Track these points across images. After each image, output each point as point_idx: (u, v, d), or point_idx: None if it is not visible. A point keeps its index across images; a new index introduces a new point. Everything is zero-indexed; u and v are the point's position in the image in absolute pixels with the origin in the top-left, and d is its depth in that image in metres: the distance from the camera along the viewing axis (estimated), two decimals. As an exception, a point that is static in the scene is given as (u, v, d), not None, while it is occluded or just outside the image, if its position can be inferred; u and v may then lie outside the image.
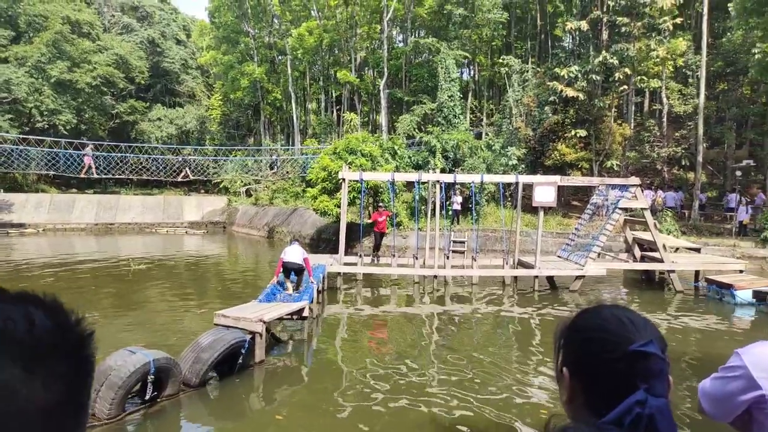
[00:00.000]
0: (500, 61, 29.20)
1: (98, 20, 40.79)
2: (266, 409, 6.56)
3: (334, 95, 41.00)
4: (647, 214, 14.25)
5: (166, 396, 6.32)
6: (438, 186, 14.87)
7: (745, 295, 12.24)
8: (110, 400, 5.68)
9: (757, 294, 12.07)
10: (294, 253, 10.65)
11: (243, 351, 7.24)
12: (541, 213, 14.54)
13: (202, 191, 38.62)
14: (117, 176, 32.58)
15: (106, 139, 35.52)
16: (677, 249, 16.51)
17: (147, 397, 6.08)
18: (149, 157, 32.78)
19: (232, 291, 13.74)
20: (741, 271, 14.12)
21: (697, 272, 14.74)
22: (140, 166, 33.26)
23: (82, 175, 31.32)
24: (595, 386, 1.01)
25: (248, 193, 34.87)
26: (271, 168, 31.45)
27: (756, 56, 19.55)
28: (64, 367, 0.52)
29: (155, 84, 45.37)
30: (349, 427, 5.96)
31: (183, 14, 52.62)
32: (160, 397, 6.27)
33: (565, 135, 24.72)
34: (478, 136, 29.58)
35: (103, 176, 32.42)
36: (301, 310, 8.99)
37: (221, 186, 36.47)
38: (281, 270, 10.62)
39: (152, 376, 6.00)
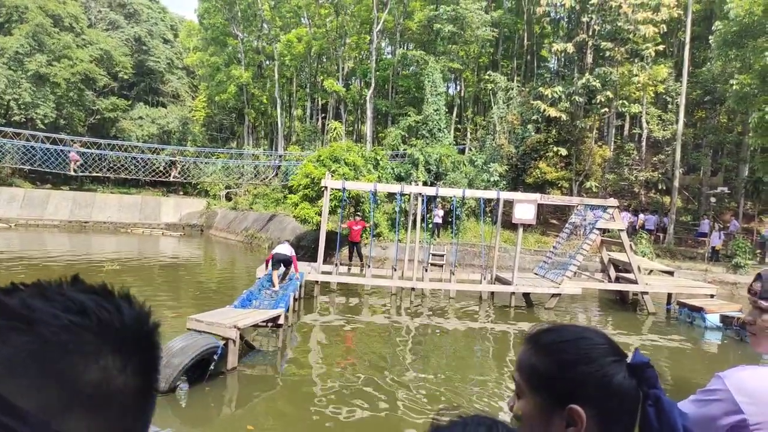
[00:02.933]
0: (486, 77, 29.53)
1: (84, 15, 40.27)
2: (237, 417, 6.45)
3: (320, 103, 41.03)
4: (623, 235, 14.48)
5: (134, 401, 6.18)
6: (419, 198, 14.92)
7: (714, 318, 12.48)
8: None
9: (723, 318, 12.31)
10: (283, 248, 12.06)
11: (215, 357, 7.13)
12: (520, 230, 14.68)
13: (181, 193, 38.16)
14: (96, 174, 32.00)
15: (85, 135, 34.98)
16: (651, 271, 16.78)
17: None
18: (131, 156, 32.27)
19: (207, 296, 13.56)
20: (712, 296, 14.40)
21: (669, 295, 14.98)
22: (119, 165, 32.75)
23: (72, 173, 30.70)
24: (608, 410, 0.92)
25: (228, 197, 34.55)
26: (275, 174, 30.71)
27: (734, 87, 20.09)
28: (146, 353, 0.56)
29: (139, 82, 44.88)
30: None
31: (171, 14, 52.30)
32: (127, 401, 6.12)
33: (547, 154, 25.04)
34: (462, 151, 29.82)
35: (87, 174, 31.75)
36: (277, 317, 8.89)
37: (200, 188, 36.09)
38: (271, 261, 11.79)
39: (120, 380, 5.86)
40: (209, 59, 41.01)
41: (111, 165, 32.47)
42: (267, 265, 12.01)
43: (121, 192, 36.01)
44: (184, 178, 34.34)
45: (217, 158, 34.86)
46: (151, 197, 35.21)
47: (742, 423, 1.50)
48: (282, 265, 12.08)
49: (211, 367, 7.10)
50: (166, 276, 17.18)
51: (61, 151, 29.88)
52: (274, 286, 11.54)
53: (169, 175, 32.18)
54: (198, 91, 47.50)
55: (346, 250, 18.68)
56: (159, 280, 16.35)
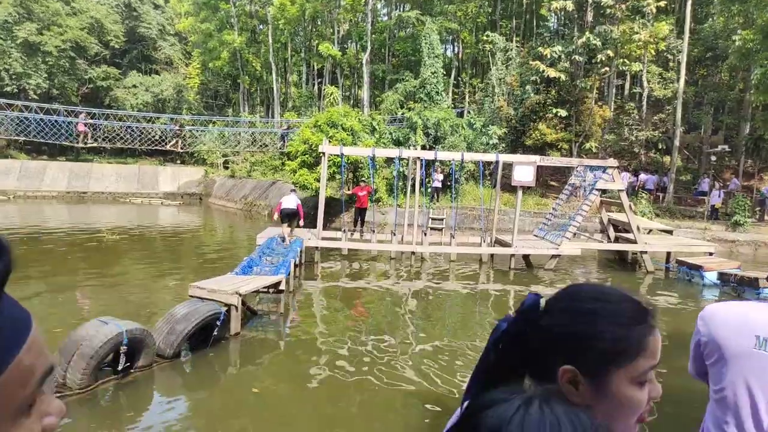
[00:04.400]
0: (485, 38, 28.97)
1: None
2: (242, 381, 6.55)
3: (315, 68, 40.33)
4: (623, 195, 14.44)
5: (139, 367, 6.27)
6: (418, 163, 14.83)
7: (712, 276, 12.57)
8: (82, 370, 5.60)
9: (721, 275, 12.40)
10: (290, 200, 13.03)
11: (218, 323, 7.19)
12: (520, 192, 14.64)
13: (178, 162, 37.92)
14: (92, 144, 31.60)
15: (78, 105, 34.51)
16: (650, 231, 16.82)
17: (120, 368, 6.00)
18: (138, 126, 31.75)
19: (207, 263, 13.61)
20: (711, 254, 14.47)
21: (668, 254, 15.06)
22: (121, 135, 32.33)
23: (80, 145, 30.31)
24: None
25: (226, 165, 34.35)
26: (282, 139, 29.74)
27: (736, 43, 19.76)
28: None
29: (131, 50, 44.02)
30: (325, 400, 5.99)
31: (161, -22, 50.83)
32: (132, 368, 6.21)
33: (546, 115, 24.78)
34: (460, 114, 29.50)
35: (95, 145, 31.14)
36: (278, 283, 8.95)
37: (198, 157, 35.83)
38: (281, 215, 12.95)
39: (125, 347, 5.92)
40: (201, 25, 40.13)
41: (115, 135, 31.90)
42: (274, 216, 13.41)
43: (118, 162, 35.80)
44: (182, 148, 34.03)
45: (214, 126, 34.45)
46: (148, 167, 35.04)
47: (698, 345, 1.77)
48: (289, 219, 13.11)
49: (215, 333, 7.17)
50: (167, 245, 17.24)
51: (56, 121, 29.47)
52: (284, 242, 12.65)
53: (176, 146, 31.59)
54: (191, 58, 46.61)
55: (346, 216, 18.70)
56: (160, 248, 16.41)
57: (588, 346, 0.90)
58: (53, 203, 28.15)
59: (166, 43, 46.05)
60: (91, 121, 29.57)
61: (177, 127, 31.38)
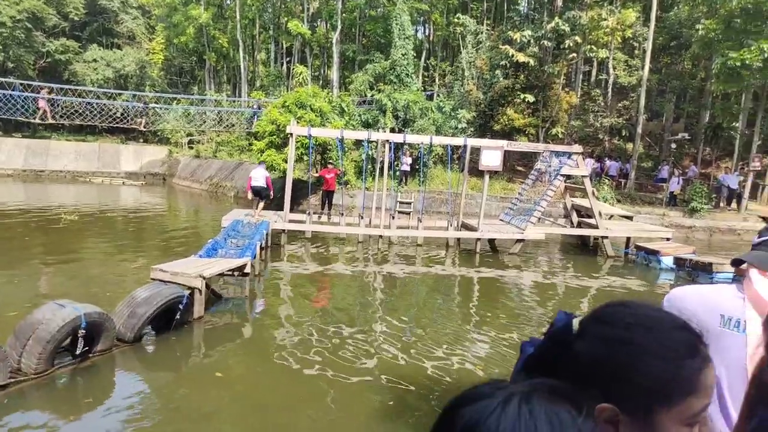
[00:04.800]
0: (456, 20, 28.89)
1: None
2: (205, 365, 6.49)
3: (284, 46, 39.57)
4: (587, 181, 14.75)
5: (99, 351, 6.13)
6: (387, 146, 14.80)
7: (668, 261, 13.01)
8: (38, 354, 5.45)
9: (677, 260, 12.85)
10: (258, 173, 13.69)
11: (181, 307, 7.07)
12: (487, 177, 14.79)
13: (141, 140, 36.89)
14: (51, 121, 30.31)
15: (35, 79, 33.11)
16: (612, 216, 17.25)
17: (78, 352, 5.87)
18: (100, 102, 30.54)
19: (171, 245, 13.36)
20: (668, 239, 14.96)
21: (628, 239, 15.49)
22: (74, 110, 31.11)
23: (38, 121, 28.96)
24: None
25: (191, 145, 33.60)
26: (251, 120, 28.88)
27: (699, 32, 20.22)
28: None
29: (91, 22, 42.37)
30: (289, 385, 5.99)
31: (122, -53, 48.83)
32: (91, 352, 6.07)
33: (515, 100, 24.99)
34: (430, 97, 29.47)
35: (58, 122, 29.73)
36: (243, 266, 8.84)
37: (161, 135, 34.90)
38: (251, 191, 13.61)
39: (83, 331, 5.78)
40: (165, -1, 38.87)
41: (74, 111, 30.61)
42: (248, 195, 13.98)
43: (77, 140, 34.61)
44: (145, 126, 33.04)
45: (178, 104, 33.54)
46: (109, 145, 34.02)
47: None
48: (260, 195, 13.70)
49: (177, 317, 7.06)
50: (129, 226, 16.83)
51: (11, 95, 28.16)
52: (253, 219, 13.15)
53: (141, 124, 30.48)
54: (155, 33, 45.13)
55: (314, 198, 18.58)
56: (121, 230, 16.01)
57: (630, 383, 0.78)
58: (8, 182, 27.11)
59: (129, 17, 44.44)
60: (52, 96, 28.33)
61: (143, 105, 30.38)
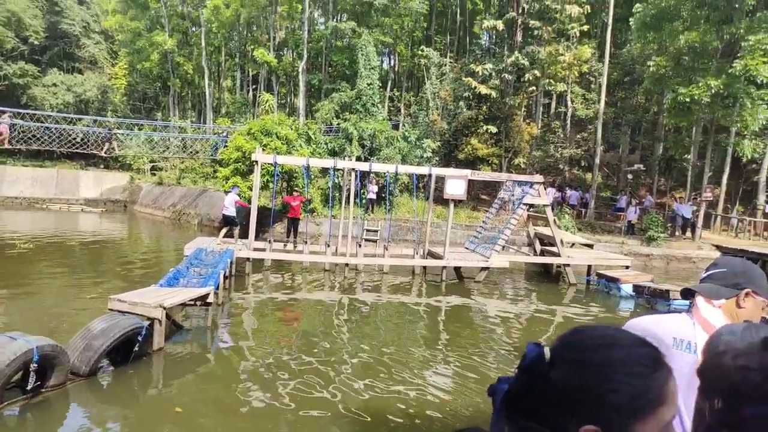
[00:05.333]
0: (420, 52, 29.58)
1: (-15, -30, 36.61)
2: (164, 399, 6.26)
3: (250, 74, 39.63)
4: (548, 210, 15.11)
5: (52, 386, 5.86)
6: (353, 174, 14.86)
7: (628, 288, 13.36)
8: (-15, 391, 5.19)
9: (636, 288, 13.20)
10: (228, 202, 14.72)
11: (140, 338, 6.86)
12: (452, 205, 14.98)
13: (102, 166, 36.02)
14: (10, 147, 29.25)
15: (-10, 103, 32.08)
16: (573, 244, 17.66)
17: (29, 387, 5.60)
18: (67, 128, 29.65)
19: (131, 274, 12.99)
20: (627, 267, 15.38)
21: (589, 267, 15.85)
22: (31, 135, 30.17)
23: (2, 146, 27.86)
24: None
25: (153, 171, 32.98)
26: (216, 148, 28.65)
27: (651, 68, 21.20)
28: None
29: (52, 46, 41.51)
30: (252, 420, 5.83)
31: (86, -28, 48.43)
32: (44, 387, 5.80)
33: (478, 130, 25.58)
34: (395, 127, 29.88)
35: (18, 147, 28.69)
36: (206, 295, 8.65)
37: (123, 162, 34.16)
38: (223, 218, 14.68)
39: (35, 365, 5.52)
40: (129, 23, 38.54)
41: (32, 136, 29.60)
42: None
43: (34, 165, 33.51)
44: (107, 153, 32.26)
45: (140, 129, 32.98)
46: (68, 170, 33.04)
47: None
48: (231, 224, 14.73)
49: (136, 349, 6.83)
50: (87, 255, 16.29)
51: None
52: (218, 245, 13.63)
53: (110, 151, 29.65)
54: (118, 58, 44.57)
55: (279, 226, 18.43)
56: (79, 259, 15.48)
57: (605, 403, 0.81)
58: (-42, 208, 25.98)
59: (91, 41, 43.80)
60: (15, 121, 27.46)
61: (107, 130, 29.74)
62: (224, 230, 14.75)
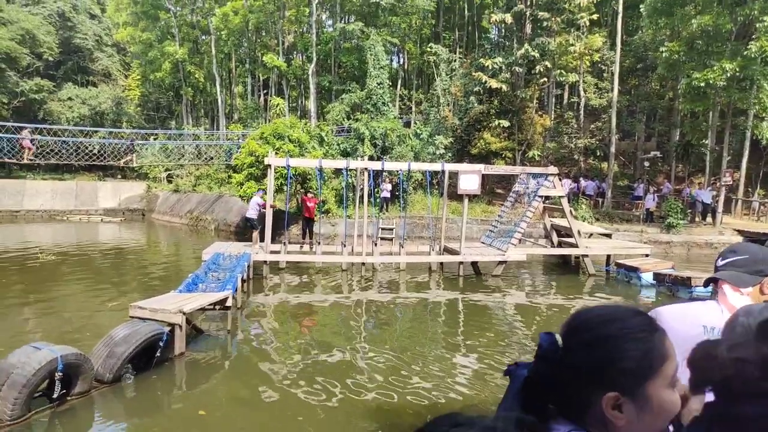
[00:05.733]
0: (428, 49, 29.49)
1: (-1, -11, 37.32)
2: (187, 403, 6.34)
3: (261, 79, 39.88)
4: (564, 201, 14.96)
5: (77, 394, 5.97)
6: (366, 173, 14.89)
7: (648, 277, 13.18)
8: (13, 400, 5.28)
9: (656, 276, 13.03)
10: (251, 205, 15.28)
11: (161, 344, 6.94)
12: (466, 200, 14.93)
13: (119, 176, 36.56)
14: (36, 161, 29.79)
15: (9, 120, 32.73)
16: (591, 235, 17.47)
17: (55, 395, 5.70)
18: (92, 142, 30.16)
19: (151, 281, 13.16)
20: (647, 255, 15.18)
21: (608, 256, 15.67)
22: (49, 149, 30.73)
23: (26, 161, 28.54)
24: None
25: (169, 179, 33.38)
26: (230, 154, 29.12)
27: (663, 54, 20.87)
28: None
29: (66, 61, 42.23)
30: (276, 420, 5.88)
31: (97, -13, 49.16)
32: (69, 395, 5.90)
33: (490, 125, 25.43)
34: (407, 125, 29.83)
35: (37, 162, 29.36)
36: (224, 299, 8.74)
37: (139, 171, 34.64)
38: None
39: (60, 374, 5.62)
40: (141, 35, 39.02)
41: (50, 150, 30.16)
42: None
43: (53, 178, 34.11)
44: (125, 164, 32.74)
45: (155, 139, 33.42)
46: (86, 182, 33.59)
47: None
48: (252, 227, 15.08)
49: (157, 355, 6.91)
50: (107, 263, 16.54)
51: (21, 139, 27.73)
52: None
53: (123, 161, 30.15)
54: (131, 69, 45.20)
55: (294, 228, 18.53)
56: (99, 268, 15.72)
57: (618, 370, 0.92)
58: (-18, 223, 26.55)
59: (104, 54, 44.49)
60: (37, 137, 28.04)
61: (129, 142, 30.22)
62: (255, 234, 14.98)
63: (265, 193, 15.99)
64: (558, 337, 0.97)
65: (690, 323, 1.83)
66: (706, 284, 2.06)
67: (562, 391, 0.94)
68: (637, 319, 0.97)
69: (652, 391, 0.93)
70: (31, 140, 27.41)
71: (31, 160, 27.62)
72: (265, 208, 14.61)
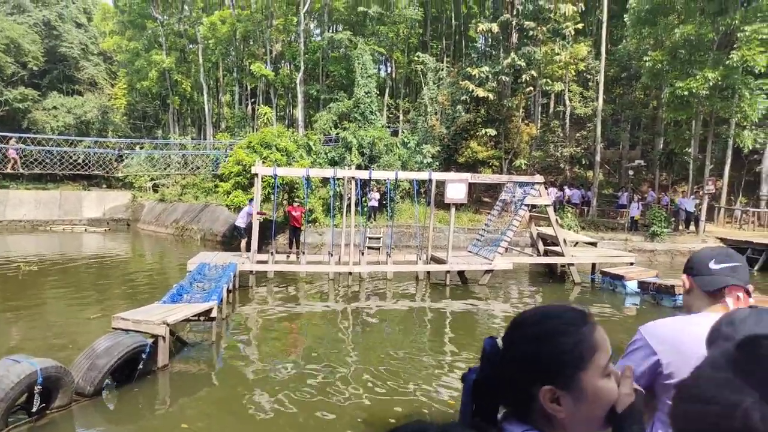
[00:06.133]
0: (416, 58, 29.67)
1: (-17, -3, 37.10)
2: (170, 416, 6.25)
3: (248, 88, 39.86)
4: (550, 210, 15.07)
5: (56, 408, 5.86)
6: (354, 182, 14.88)
7: (633, 285, 13.28)
8: (-10, 415, 5.19)
9: (641, 284, 13.13)
10: (240, 215, 15.45)
11: (144, 356, 6.86)
12: (453, 209, 14.97)
13: (104, 186, 36.23)
14: (10, 171, 29.52)
15: (-7, 129, 32.36)
16: (576, 243, 17.59)
17: (34, 409, 5.60)
18: (81, 151, 29.94)
19: (135, 292, 13.01)
20: (632, 264, 15.30)
21: (593, 265, 15.77)
22: (33, 159, 30.46)
23: (9, 171, 28.25)
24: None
25: (155, 189, 33.13)
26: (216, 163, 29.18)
27: (647, 63, 21.16)
28: None
29: (51, 70, 41.92)
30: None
31: (83, -5, 48.97)
32: (49, 408, 5.81)
33: (477, 133, 25.58)
34: (395, 134, 29.94)
35: (29, 171, 29.14)
36: (210, 310, 8.66)
37: (125, 180, 34.37)
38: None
39: (39, 387, 5.53)
40: (128, 44, 38.88)
41: (33, 159, 29.90)
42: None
43: (37, 188, 33.69)
44: (107, 172, 32.50)
45: (141, 148, 33.21)
46: (70, 192, 33.21)
47: (657, 364, 1.77)
48: (240, 235, 15.24)
49: (140, 367, 6.82)
50: (90, 274, 16.33)
51: (8, 149, 27.45)
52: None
53: (112, 169, 30.01)
54: (117, 78, 44.98)
55: (281, 238, 18.45)
56: (83, 279, 15.52)
57: (553, 363, 0.97)
58: (-37, 233, 26.14)
59: (90, 63, 44.24)
60: (21, 146, 27.82)
61: (117, 151, 30.07)
62: (243, 243, 15.08)
63: (244, 203, 16.03)
64: (499, 341, 1.04)
65: (695, 339, 1.59)
66: (714, 292, 1.84)
67: (505, 390, 1.00)
68: (569, 314, 1.03)
69: (585, 382, 0.97)
70: (16, 150, 27.24)
71: (15, 170, 27.43)
72: (260, 214, 14.52)
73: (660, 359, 1.77)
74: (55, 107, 39.60)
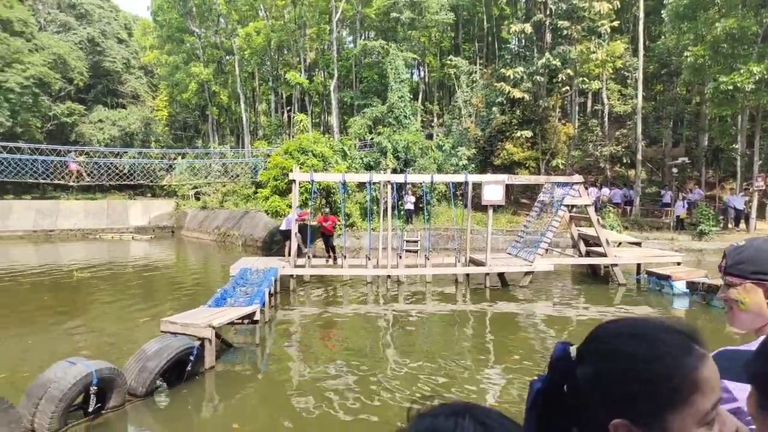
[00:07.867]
0: (448, 62, 29.60)
1: (33, 18, 38.84)
2: (219, 416, 6.41)
3: (284, 96, 40.56)
4: (591, 210, 14.76)
5: (111, 408, 6.09)
6: (389, 186, 14.95)
7: (681, 285, 12.87)
8: (50, 413, 5.43)
9: (690, 284, 12.70)
10: (285, 221, 15.22)
11: (192, 358, 7.05)
12: (490, 211, 14.84)
13: (149, 195, 37.42)
14: (60, 181, 30.91)
15: (43, 142, 33.87)
16: (620, 243, 17.16)
17: (90, 409, 5.84)
18: (138, 162, 31.35)
19: (181, 297, 13.37)
20: (679, 263, 14.82)
21: (638, 265, 15.36)
22: (87, 171, 31.75)
23: (72, 183, 29.86)
24: None
25: (197, 197, 34.02)
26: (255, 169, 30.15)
27: (688, 59, 20.56)
28: None
29: (96, 84, 43.64)
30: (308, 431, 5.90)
31: (124, 12, 50.83)
32: (104, 408, 6.04)
33: (513, 135, 25.32)
34: (429, 137, 29.90)
35: (95, 182, 30.79)
36: (253, 313, 8.84)
37: (168, 189, 35.44)
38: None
39: (95, 387, 5.77)
40: (167, 58, 40.11)
41: (88, 171, 31.32)
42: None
43: (85, 198, 35.09)
44: (151, 181, 33.65)
45: (183, 158, 34.21)
46: (117, 201, 34.46)
47: (737, 410, 1.26)
48: (286, 240, 15.10)
49: (188, 368, 7.02)
50: (139, 280, 16.87)
51: (20, 159, 28.94)
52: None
53: (170, 180, 31.41)
54: (158, 91, 46.45)
55: (319, 242, 18.65)
56: (131, 284, 16.04)
57: (632, 393, 0.77)
58: (19, 243, 27.37)
59: (132, 77, 45.82)
60: (81, 158, 29.26)
61: (166, 162, 31.25)
62: (287, 246, 15.18)
63: (283, 209, 16.24)
64: (572, 348, 0.86)
65: None
66: None
67: (571, 407, 0.82)
68: (668, 336, 0.81)
69: (672, 427, 0.76)
70: (78, 162, 28.68)
71: (77, 181, 28.82)
72: (301, 220, 14.81)
73: (741, 406, 1.27)
74: (100, 120, 41.18)
